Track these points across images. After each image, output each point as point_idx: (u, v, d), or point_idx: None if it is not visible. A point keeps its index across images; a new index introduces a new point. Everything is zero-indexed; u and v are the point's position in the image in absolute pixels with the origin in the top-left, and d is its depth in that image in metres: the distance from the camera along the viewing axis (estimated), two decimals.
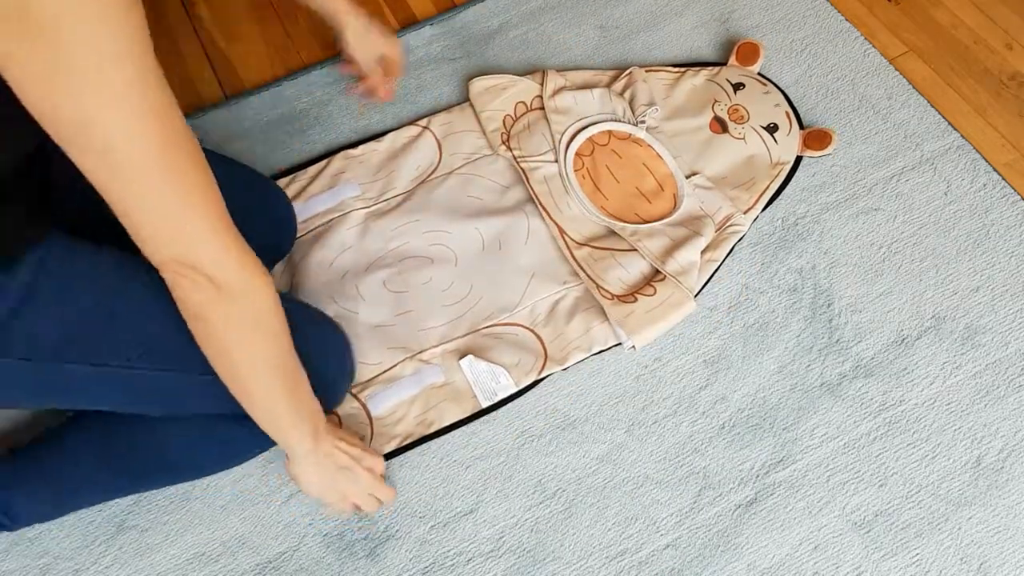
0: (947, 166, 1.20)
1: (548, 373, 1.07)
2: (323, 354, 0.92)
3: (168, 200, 0.63)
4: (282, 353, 0.78)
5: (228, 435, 0.92)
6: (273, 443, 0.89)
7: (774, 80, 1.30)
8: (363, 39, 1.22)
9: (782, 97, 1.27)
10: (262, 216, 1.03)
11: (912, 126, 1.24)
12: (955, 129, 1.23)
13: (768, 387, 1.06)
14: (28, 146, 0.69)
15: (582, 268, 1.12)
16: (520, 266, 1.14)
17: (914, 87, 1.28)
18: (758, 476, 1.00)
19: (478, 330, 1.10)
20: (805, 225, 1.17)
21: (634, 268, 1.12)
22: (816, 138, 1.21)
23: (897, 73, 1.29)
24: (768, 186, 1.19)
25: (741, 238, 1.16)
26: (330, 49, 1.40)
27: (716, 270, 1.13)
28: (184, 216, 0.64)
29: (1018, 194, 1.17)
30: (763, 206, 1.18)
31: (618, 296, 1.09)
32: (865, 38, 1.33)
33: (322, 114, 1.31)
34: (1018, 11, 1.35)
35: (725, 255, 1.14)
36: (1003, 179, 1.19)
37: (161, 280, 0.69)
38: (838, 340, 1.08)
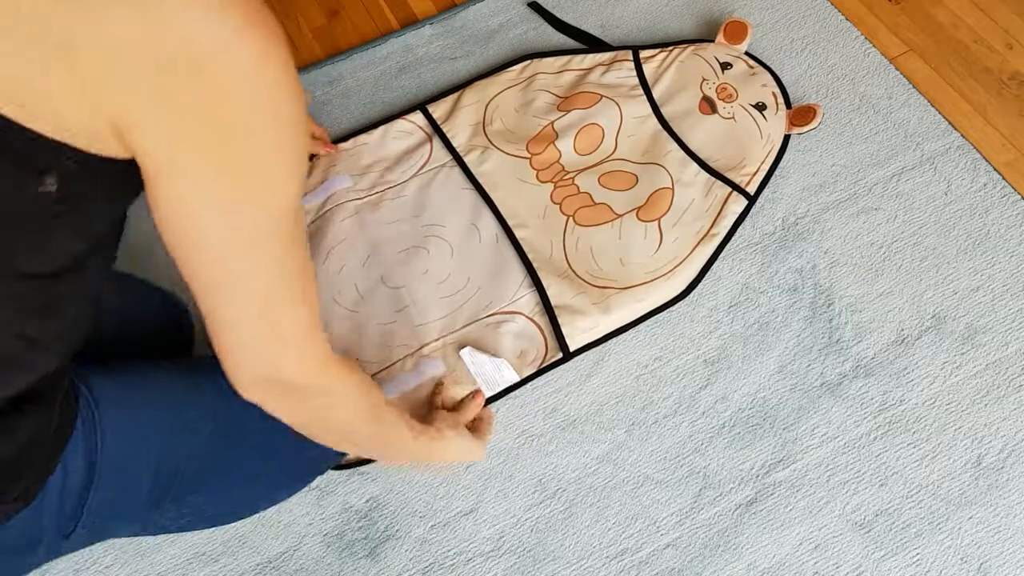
0: (947, 166, 1.20)
1: (551, 362, 1.07)
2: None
3: (267, 316, 0.62)
4: (370, 421, 0.78)
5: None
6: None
7: (766, 64, 1.30)
8: None
9: (770, 77, 1.27)
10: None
11: (912, 126, 1.24)
12: (955, 129, 1.23)
13: (768, 387, 1.06)
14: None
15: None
16: (516, 255, 1.14)
17: (914, 87, 1.28)
18: (758, 476, 1.00)
19: (478, 320, 1.10)
20: (805, 225, 1.17)
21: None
22: (802, 114, 1.22)
23: (897, 72, 1.29)
24: (760, 167, 1.19)
25: (744, 214, 1.16)
26: (330, 48, 1.40)
27: (720, 247, 1.14)
28: (278, 331, 0.63)
29: (1018, 194, 1.17)
30: (758, 185, 1.18)
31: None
32: (865, 37, 1.33)
33: (321, 113, 1.31)
34: (1018, 11, 1.35)
35: (726, 233, 1.14)
36: (1003, 179, 1.19)
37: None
38: (838, 340, 1.08)
